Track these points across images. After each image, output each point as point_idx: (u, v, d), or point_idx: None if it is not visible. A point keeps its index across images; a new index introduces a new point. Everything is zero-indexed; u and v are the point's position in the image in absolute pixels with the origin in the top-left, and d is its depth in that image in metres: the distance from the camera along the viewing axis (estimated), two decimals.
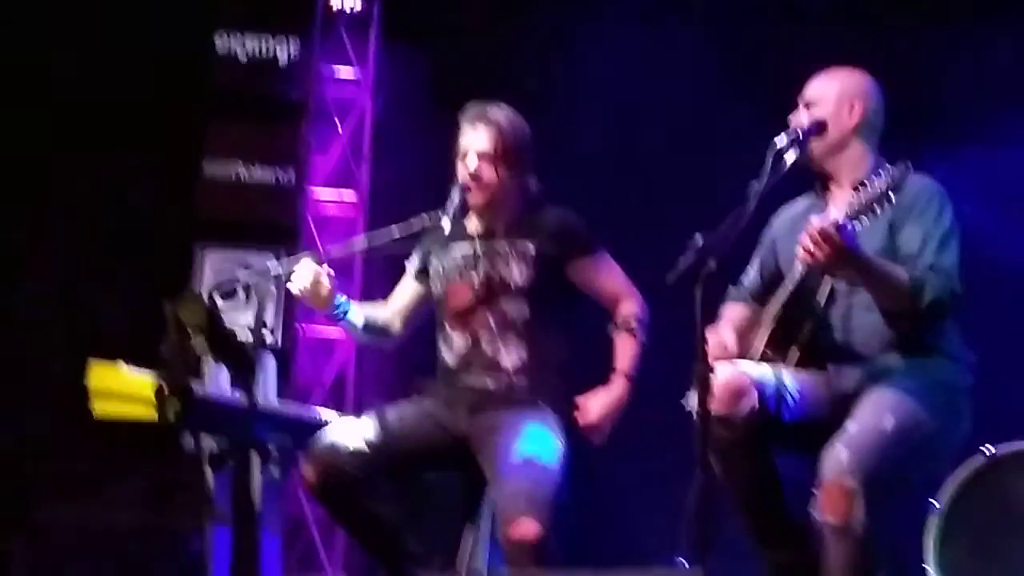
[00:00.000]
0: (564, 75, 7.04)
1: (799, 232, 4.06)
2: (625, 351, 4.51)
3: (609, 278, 4.58)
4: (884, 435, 3.92)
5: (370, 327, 4.74)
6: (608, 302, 4.57)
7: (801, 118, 4.25)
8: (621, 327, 4.53)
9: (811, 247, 3.83)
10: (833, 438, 3.92)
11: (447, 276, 4.62)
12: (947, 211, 4.07)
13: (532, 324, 4.49)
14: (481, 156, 4.54)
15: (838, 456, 3.87)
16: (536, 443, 4.32)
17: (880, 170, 3.92)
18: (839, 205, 4.07)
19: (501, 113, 4.59)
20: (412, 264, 4.79)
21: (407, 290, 4.80)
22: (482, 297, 4.53)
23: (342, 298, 4.64)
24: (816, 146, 4.21)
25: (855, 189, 3.97)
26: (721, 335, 4.18)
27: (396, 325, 4.79)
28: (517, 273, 4.51)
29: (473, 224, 4.65)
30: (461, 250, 4.62)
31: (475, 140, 4.56)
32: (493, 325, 4.51)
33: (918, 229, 4.06)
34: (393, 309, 4.80)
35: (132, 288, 6.95)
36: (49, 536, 6.04)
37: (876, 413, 3.97)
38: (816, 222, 3.84)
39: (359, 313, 4.70)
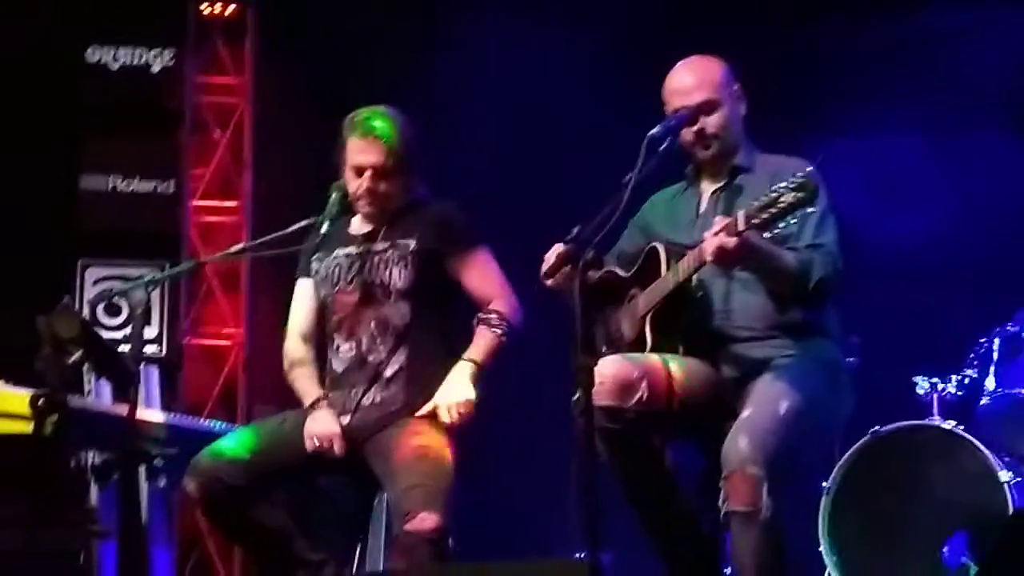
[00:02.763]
0: (443, 77, 7.02)
1: (675, 219, 4.23)
2: (476, 340, 4.45)
3: (483, 276, 4.50)
4: (779, 419, 3.93)
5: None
6: (481, 301, 4.50)
7: (672, 108, 4.25)
8: (480, 321, 4.47)
9: (719, 248, 3.83)
10: (732, 427, 3.94)
11: (331, 281, 4.55)
12: (822, 191, 4.09)
13: (412, 328, 4.43)
14: (373, 169, 4.46)
15: (738, 445, 3.88)
16: (427, 438, 4.29)
17: (786, 177, 3.88)
18: (711, 192, 4.21)
19: (391, 123, 4.49)
20: (302, 276, 4.67)
21: (308, 306, 4.66)
22: (364, 302, 4.48)
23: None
24: (686, 135, 4.22)
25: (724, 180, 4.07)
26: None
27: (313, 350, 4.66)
28: (397, 276, 4.45)
29: (355, 226, 4.59)
30: (344, 253, 4.56)
31: (366, 154, 4.46)
32: (375, 330, 4.45)
33: None
34: (304, 334, 4.64)
35: (11, 305, 6.82)
36: None
37: (770, 399, 3.99)
38: (720, 223, 3.85)
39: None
